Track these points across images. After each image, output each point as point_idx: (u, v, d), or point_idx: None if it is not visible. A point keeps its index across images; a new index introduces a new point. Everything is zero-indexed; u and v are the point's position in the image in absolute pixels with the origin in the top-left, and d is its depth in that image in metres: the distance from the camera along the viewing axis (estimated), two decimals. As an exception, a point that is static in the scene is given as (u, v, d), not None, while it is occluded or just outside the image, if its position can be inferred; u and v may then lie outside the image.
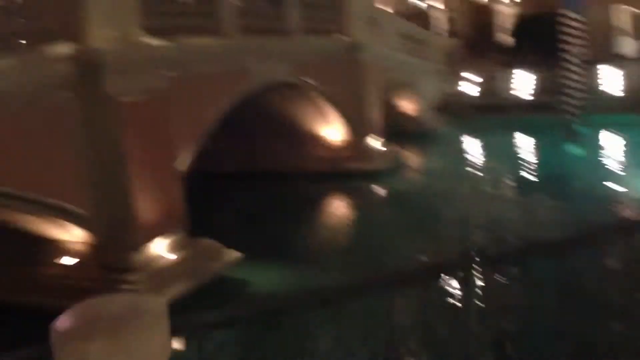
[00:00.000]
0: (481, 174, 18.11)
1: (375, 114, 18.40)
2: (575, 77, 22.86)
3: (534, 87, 26.31)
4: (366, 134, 17.87)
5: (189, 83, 10.61)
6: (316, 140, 17.82)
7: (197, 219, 13.88)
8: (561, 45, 21.91)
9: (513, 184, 16.65)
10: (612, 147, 20.26)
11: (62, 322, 1.85)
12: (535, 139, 22.44)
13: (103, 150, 8.66)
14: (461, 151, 21.55)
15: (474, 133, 23.92)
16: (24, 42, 8.14)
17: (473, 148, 21.52)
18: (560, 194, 14.92)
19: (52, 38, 8.39)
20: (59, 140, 8.30)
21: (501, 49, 31.67)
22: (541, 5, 30.12)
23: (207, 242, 10.12)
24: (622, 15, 29.82)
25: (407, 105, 24.42)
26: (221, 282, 9.82)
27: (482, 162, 19.23)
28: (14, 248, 8.94)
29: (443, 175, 18.01)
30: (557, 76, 23.64)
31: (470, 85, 27.57)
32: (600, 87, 25.20)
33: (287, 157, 17.70)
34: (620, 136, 21.54)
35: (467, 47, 37.90)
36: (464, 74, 28.24)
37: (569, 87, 20.38)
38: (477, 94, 27.14)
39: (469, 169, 18.77)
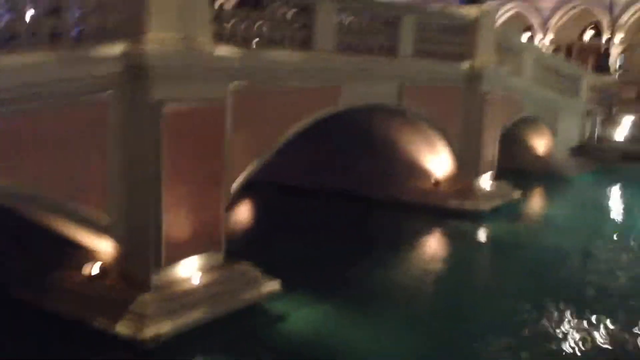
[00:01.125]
0: (607, 231, 15.53)
1: (491, 150, 16.55)
2: None
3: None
4: (475, 170, 16.10)
5: (257, 97, 9.84)
6: (418, 171, 16.35)
7: (257, 237, 13.71)
8: None
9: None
10: None
11: None
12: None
13: (139, 158, 8.11)
14: (591, 202, 18.88)
15: (612, 183, 20.98)
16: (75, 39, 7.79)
17: (606, 200, 18.74)
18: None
19: (106, 36, 7.96)
20: (94, 143, 7.85)
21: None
22: None
23: (244, 267, 9.25)
24: None
25: (540, 145, 22.03)
26: (253, 313, 8.94)
27: (613, 217, 16.57)
28: (44, 249, 8.71)
29: (559, 226, 15.75)
30: None
31: (622, 129, 24.46)
32: None
33: (382, 184, 16.44)
34: None
35: (627, 86, 34.23)
36: (619, 116, 25.20)
37: None
38: (627, 139, 23.97)
39: (593, 222, 16.26)
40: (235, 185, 9.59)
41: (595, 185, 21.00)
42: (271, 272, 9.76)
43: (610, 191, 19.84)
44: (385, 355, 8.22)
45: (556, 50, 38.99)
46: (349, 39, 12.15)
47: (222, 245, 9.10)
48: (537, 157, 22.06)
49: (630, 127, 24.23)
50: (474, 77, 15.61)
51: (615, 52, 35.66)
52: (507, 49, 18.01)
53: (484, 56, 15.88)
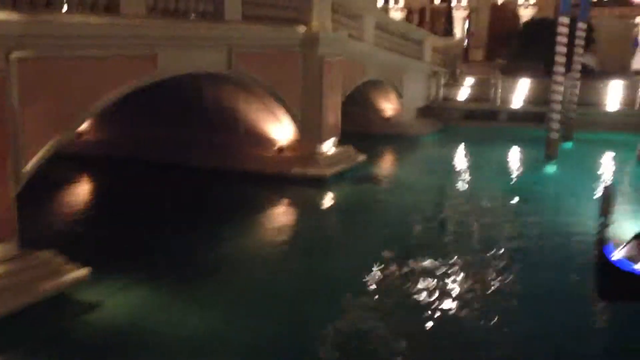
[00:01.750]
0: (439, 188, 16.01)
1: (334, 115, 16.42)
2: (568, 89, 20.67)
3: (529, 96, 24.02)
4: (318, 136, 15.92)
5: (51, 67, 8.85)
6: (261, 139, 15.95)
7: (79, 220, 12.68)
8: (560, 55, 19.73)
9: (464, 201, 14.48)
10: (588, 168, 17.92)
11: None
12: (514, 153, 20.19)
13: None
14: (432, 160, 19.44)
15: (453, 142, 21.75)
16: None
17: (445, 158, 19.34)
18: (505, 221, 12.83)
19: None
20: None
21: (506, 53, 29.26)
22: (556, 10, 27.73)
23: (46, 255, 8.39)
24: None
25: (388, 107, 22.40)
26: (56, 305, 8.13)
27: (448, 174, 17.08)
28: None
29: (404, 186, 15.99)
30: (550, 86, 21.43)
31: (465, 90, 25.38)
32: (602, 102, 22.84)
33: (225, 155, 15.91)
34: (602, 156, 19.24)
35: (474, 49, 35.77)
36: (462, 78, 26.11)
37: (559, 99, 18.05)
38: (468, 100, 24.94)
39: (431, 180, 16.70)
40: (30, 166, 8.60)
41: (439, 145, 21.68)
42: (90, 256, 8.99)
43: (452, 150, 20.49)
44: (211, 341, 7.69)
45: (409, 14, 39.95)
46: (163, 2, 11.31)
47: (14, 233, 8.15)
48: (386, 120, 22.46)
49: (472, 88, 25.18)
50: (310, 42, 15.27)
51: (459, 15, 37.08)
52: (347, 13, 17.90)
53: (321, 20, 15.59)
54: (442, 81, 25.06)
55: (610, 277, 7.28)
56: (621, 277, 7.31)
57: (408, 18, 38.91)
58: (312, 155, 15.75)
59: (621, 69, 24.87)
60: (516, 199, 14.47)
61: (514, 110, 23.75)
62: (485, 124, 23.66)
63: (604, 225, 7.23)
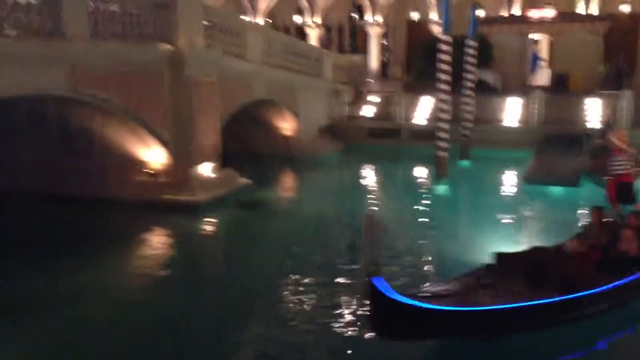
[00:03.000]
0: (321, 212, 14.94)
1: (211, 137, 15.32)
2: (462, 107, 20.29)
3: (432, 113, 23.53)
4: (191, 159, 14.78)
5: None
6: (132, 164, 14.70)
7: None
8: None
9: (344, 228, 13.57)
10: (477, 188, 17.40)
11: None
12: (408, 173, 19.55)
13: None
14: (324, 182, 18.55)
15: (351, 162, 21.02)
16: None
17: (338, 180, 18.53)
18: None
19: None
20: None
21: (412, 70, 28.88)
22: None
23: None
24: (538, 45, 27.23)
25: (285, 127, 21.47)
26: None
27: (335, 197, 16.22)
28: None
29: (283, 211, 15.00)
30: (452, 104, 21.00)
31: (370, 108, 24.74)
32: (500, 119, 22.54)
33: (97, 181, 14.64)
34: (496, 175, 18.78)
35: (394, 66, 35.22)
36: (367, 95, 25.49)
37: (446, 117, 17.49)
38: (373, 118, 24.30)
39: (316, 204, 15.72)
40: None
41: (336, 165, 20.87)
42: None
43: (347, 171, 19.77)
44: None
45: (328, 30, 39.26)
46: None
47: None
48: (283, 140, 21.51)
49: (377, 105, 24.57)
50: (176, 61, 14.15)
51: (375, 32, 36.68)
52: (227, 31, 16.88)
53: (189, 38, 14.51)
54: (347, 99, 24.37)
55: (388, 312, 6.28)
56: (402, 312, 6.32)
57: (327, 36, 38.36)
58: (186, 181, 14.58)
59: (521, 86, 24.73)
60: (395, 220, 13.67)
61: (417, 128, 23.20)
62: (388, 142, 23.01)
63: (369, 256, 6.25)
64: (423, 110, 23.73)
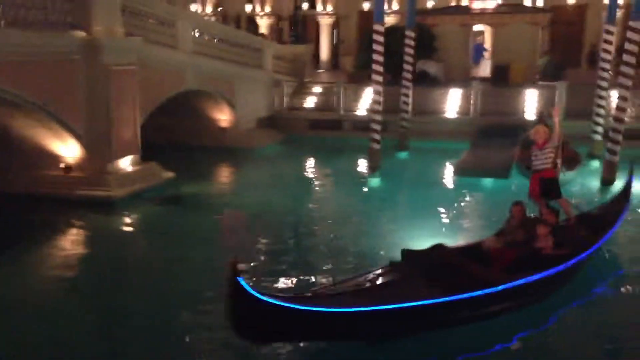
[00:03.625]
0: (247, 207, 14.38)
1: (130, 130, 14.64)
2: (400, 97, 19.97)
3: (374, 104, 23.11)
4: (108, 153, 14.09)
5: None
6: (46, 158, 13.97)
7: None
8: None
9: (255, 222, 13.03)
10: (411, 180, 17.12)
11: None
12: (344, 165, 19.06)
13: None
14: (256, 175, 17.98)
15: (289, 154, 20.50)
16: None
17: (270, 172, 17.96)
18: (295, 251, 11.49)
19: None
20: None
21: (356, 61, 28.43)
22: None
23: None
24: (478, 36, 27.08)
25: (222, 118, 20.82)
26: None
27: (262, 191, 15.68)
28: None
29: (204, 208, 14.29)
30: (392, 95, 20.68)
31: (312, 99, 24.21)
32: (441, 110, 22.26)
33: (8, 177, 13.85)
34: (432, 166, 18.48)
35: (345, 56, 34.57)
36: (309, 86, 24.94)
37: (377, 108, 17.12)
38: (315, 109, 23.79)
39: (243, 198, 15.20)
40: None
41: (273, 158, 20.20)
42: None
43: (282, 163, 19.16)
44: None
45: (279, 20, 38.57)
46: None
47: None
48: (221, 131, 20.87)
49: (319, 96, 24.06)
50: (91, 50, 13.42)
51: (325, 22, 36.15)
52: (152, 18, 16.15)
53: (106, 25, 13.78)
54: (288, 90, 23.80)
55: (248, 311, 5.82)
56: (262, 312, 5.86)
57: (277, 24, 37.65)
58: (102, 175, 13.89)
59: (464, 77, 24.53)
60: (317, 215, 13.29)
61: (358, 119, 22.76)
62: (329, 133, 22.52)
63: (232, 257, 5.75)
64: (366, 101, 23.30)
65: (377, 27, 16.30)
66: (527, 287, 7.98)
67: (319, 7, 36.22)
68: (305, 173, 18.63)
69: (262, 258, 10.68)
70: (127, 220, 13.30)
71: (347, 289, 7.56)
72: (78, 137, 13.64)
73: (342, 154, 20.27)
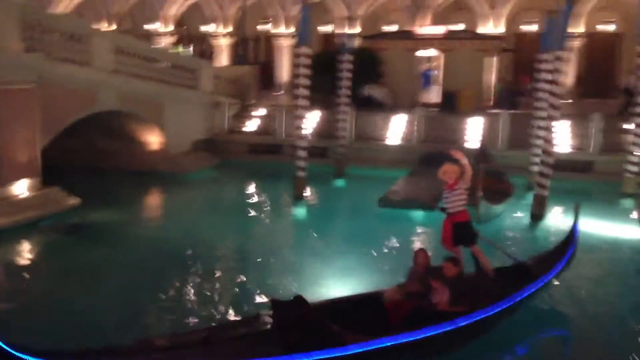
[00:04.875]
0: (158, 239, 13.06)
1: (25, 152, 13.40)
2: (342, 123, 19.02)
3: (316, 129, 22.10)
4: (0, 177, 12.82)
5: None
6: None
7: None
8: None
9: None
10: (337, 211, 16.04)
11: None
12: (273, 193, 17.93)
13: None
14: (173, 203, 16.77)
15: (220, 180, 19.35)
16: None
17: (192, 200, 16.78)
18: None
19: None
20: None
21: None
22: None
23: None
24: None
25: (152, 140, 19.63)
26: None
27: (177, 221, 14.48)
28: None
29: (105, 239, 12.94)
30: (332, 119, 19.75)
31: (254, 122, 23.14)
32: (384, 137, 21.26)
33: None
34: (366, 195, 17.33)
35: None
36: (253, 109, 23.88)
37: (302, 135, 16.10)
38: (256, 132, 22.71)
39: (152, 230, 13.98)
40: None
41: (205, 183, 19.07)
42: None
43: (216, 188, 18.07)
44: None
45: (244, 41, 37.07)
46: None
47: None
48: (151, 154, 19.66)
49: (261, 120, 23.01)
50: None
51: (285, 44, 35.15)
52: (63, 34, 14.99)
53: (-5, 39, 12.60)
54: (230, 112, 22.72)
55: None
56: None
57: (244, 46, 36.43)
58: (-12, 202, 12.61)
59: (412, 103, 23.61)
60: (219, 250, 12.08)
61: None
62: (268, 158, 21.44)
63: None
64: (309, 125, 22.25)
65: (302, 49, 15.30)
66: (407, 345, 6.84)
67: (281, 29, 35.27)
68: (230, 200, 17.47)
69: (133, 298, 9.40)
70: (8, 251, 11.93)
71: (188, 340, 6.44)
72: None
73: (278, 180, 19.11)
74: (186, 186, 18.52)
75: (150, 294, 9.51)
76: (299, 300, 7.26)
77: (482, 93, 24.06)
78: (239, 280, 10.31)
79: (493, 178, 15.34)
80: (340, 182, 19.05)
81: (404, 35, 24.51)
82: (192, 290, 9.82)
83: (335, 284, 9.73)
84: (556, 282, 9.38)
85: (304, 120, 15.98)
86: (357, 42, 25.25)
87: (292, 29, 35.21)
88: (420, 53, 24.58)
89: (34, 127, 13.53)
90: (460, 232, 8.83)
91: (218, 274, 10.80)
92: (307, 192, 16.27)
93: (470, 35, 24.61)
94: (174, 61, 20.10)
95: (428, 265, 8.32)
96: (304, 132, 16.08)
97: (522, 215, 14.57)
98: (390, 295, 7.96)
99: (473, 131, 20.53)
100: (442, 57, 24.84)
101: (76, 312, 8.83)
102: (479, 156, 17.45)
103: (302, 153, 15.86)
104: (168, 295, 9.54)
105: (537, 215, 13.72)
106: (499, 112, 20.50)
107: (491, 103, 24.27)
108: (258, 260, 11.43)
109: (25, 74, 13.10)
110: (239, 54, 28.53)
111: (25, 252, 12.10)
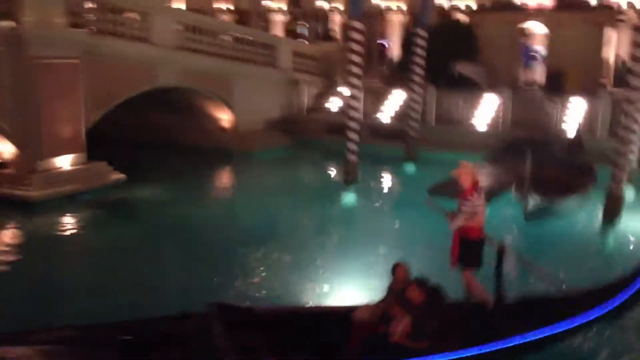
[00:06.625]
0: (196, 219, 12.47)
1: (70, 127, 13.44)
2: (413, 103, 17.35)
3: (399, 110, 20.43)
4: (39, 151, 12.99)
5: None
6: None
7: None
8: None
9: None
10: (387, 197, 14.46)
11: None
12: (328, 176, 16.68)
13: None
14: (233, 182, 16.19)
15: (286, 161, 18.46)
16: None
17: (255, 180, 16.04)
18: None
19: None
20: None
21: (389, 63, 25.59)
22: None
23: None
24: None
25: (224, 118, 19.23)
26: None
27: (230, 201, 13.89)
28: None
29: (143, 216, 12.69)
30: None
31: (337, 101, 21.97)
32: (467, 120, 19.10)
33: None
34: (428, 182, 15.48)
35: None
36: (337, 87, 22.69)
37: (356, 116, 14.71)
38: (338, 112, 21.50)
39: (196, 209, 13.34)
40: None
41: (271, 163, 18.30)
42: None
43: (280, 169, 17.21)
44: None
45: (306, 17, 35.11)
46: None
47: None
48: (220, 132, 19.29)
49: (345, 99, 21.74)
50: (16, 41, 12.34)
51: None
52: (120, 10, 14.90)
53: (40, 15, 12.64)
54: (310, 91, 21.73)
55: None
56: None
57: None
58: (27, 174, 12.81)
59: (511, 82, 21.02)
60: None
61: (379, 125, 20.21)
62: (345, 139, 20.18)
63: None
64: (389, 106, 20.69)
65: (354, 24, 13.89)
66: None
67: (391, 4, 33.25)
68: (288, 182, 16.51)
69: (134, 281, 8.75)
70: (41, 223, 11.97)
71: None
72: (6, 133, 12.64)
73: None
74: (248, 165, 17.94)
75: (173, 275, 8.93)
76: (248, 307, 6.18)
77: (595, 72, 20.80)
78: (242, 269, 9.22)
79: (571, 171, 12.97)
80: (409, 167, 17.42)
81: (509, 7, 21.67)
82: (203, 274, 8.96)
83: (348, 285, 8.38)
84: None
85: (354, 101, 14.55)
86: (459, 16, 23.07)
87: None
88: (523, 26, 21.74)
89: (79, 102, 13.55)
90: (465, 250, 6.96)
91: (230, 259, 9.72)
92: (360, 177, 14.86)
93: (580, 6, 21.28)
94: (249, 38, 19.42)
95: (407, 281, 6.67)
96: (349, 111, 14.62)
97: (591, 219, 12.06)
98: (360, 314, 6.46)
99: (572, 115, 17.72)
100: (547, 32, 21.79)
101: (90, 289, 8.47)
102: (573, 146, 15.06)
103: (353, 135, 14.54)
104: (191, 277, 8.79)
105: (610, 218, 11.24)
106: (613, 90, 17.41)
107: (608, 82, 20.95)
108: (279, 249, 10.26)
109: (68, 49, 13.07)
110: (325, 32, 27.25)
111: (56, 223, 12.03)
